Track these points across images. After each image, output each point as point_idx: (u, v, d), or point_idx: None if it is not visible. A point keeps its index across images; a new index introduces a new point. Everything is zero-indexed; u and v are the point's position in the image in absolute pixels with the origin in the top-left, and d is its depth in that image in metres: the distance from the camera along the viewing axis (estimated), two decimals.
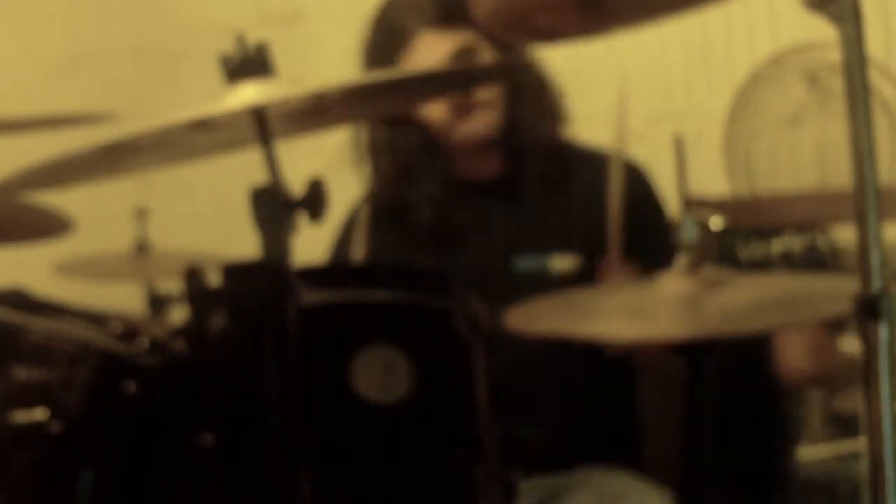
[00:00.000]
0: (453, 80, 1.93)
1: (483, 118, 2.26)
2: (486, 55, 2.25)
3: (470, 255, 2.28)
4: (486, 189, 2.33)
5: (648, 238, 2.19)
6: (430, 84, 1.85)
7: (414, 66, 2.24)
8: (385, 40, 2.27)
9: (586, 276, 2.22)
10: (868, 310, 1.27)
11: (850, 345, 2.41)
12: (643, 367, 2.29)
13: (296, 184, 1.50)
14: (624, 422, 2.33)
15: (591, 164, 2.31)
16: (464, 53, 2.23)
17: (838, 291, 1.62)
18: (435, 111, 2.25)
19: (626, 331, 1.79)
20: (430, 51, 2.23)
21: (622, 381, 2.32)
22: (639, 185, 2.28)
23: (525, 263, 2.26)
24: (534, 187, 2.30)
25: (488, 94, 2.25)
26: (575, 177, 2.32)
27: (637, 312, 1.76)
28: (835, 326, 2.41)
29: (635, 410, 2.34)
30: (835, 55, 1.31)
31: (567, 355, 2.23)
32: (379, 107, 1.98)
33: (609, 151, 2.24)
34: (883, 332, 1.27)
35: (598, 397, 2.29)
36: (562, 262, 2.26)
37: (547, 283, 2.21)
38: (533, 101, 2.31)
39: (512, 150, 2.30)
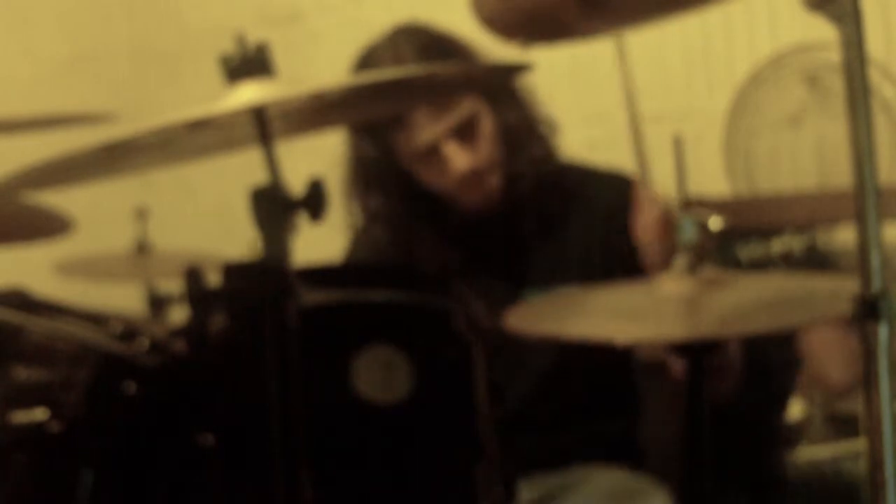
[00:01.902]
0: (453, 81, 1.93)
1: (487, 185, 2.26)
2: (487, 121, 2.25)
3: (475, 289, 2.28)
4: (485, 225, 2.32)
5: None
6: (430, 84, 1.85)
7: (412, 145, 2.23)
8: None
9: None
10: (868, 310, 1.27)
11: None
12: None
13: (296, 184, 1.50)
14: (625, 422, 2.33)
15: (587, 187, 2.32)
16: (466, 125, 2.23)
17: (838, 291, 1.62)
18: (443, 183, 2.25)
19: (624, 332, 1.79)
20: (427, 131, 2.22)
21: (624, 382, 2.32)
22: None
23: (530, 297, 2.26)
24: (532, 223, 2.30)
25: (489, 161, 2.24)
26: (573, 207, 2.32)
27: (635, 314, 1.76)
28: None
29: (637, 411, 2.34)
30: (835, 55, 1.31)
31: (568, 356, 2.23)
32: (378, 107, 1.98)
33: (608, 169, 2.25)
34: (883, 332, 1.27)
35: (600, 397, 2.29)
36: None
37: None
38: (527, 145, 2.30)
39: (509, 188, 2.30)
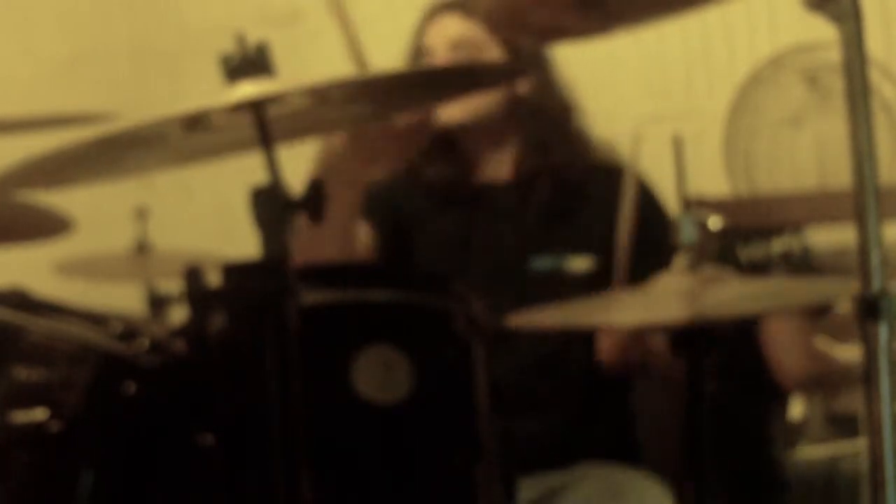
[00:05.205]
0: (454, 81, 1.93)
1: (461, 106, 2.26)
2: (492, 54, 2.25)
3: (485, 254, 2.28)
4: (501, 191, 2.33)
5: (650, 254, 2.17)
6: (430, 84, 1.85)
7: (425, 47, 2.25)
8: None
9: (602, 277, 2.21)
10: (868, 310, 1.27)
11: (847, 352, 2.41)
12: (649, 371, 2.28)
13: (296, 184, 1.50)
14: (623, 420, 2.33)
15: (605, 174, 2.33)
16: (461, 45, 2.24)
17: (833, 288, 1.63)
18: None
19: (626, 317, 1.80)
20: (437, 35, 2.24)
21: (623, 379, 2.32)
22: (646, 200, 2.27)
23: (541, 263, 2.26)
24: (549, 193, 2.30)
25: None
26: (590, 184, 2.32)
27: (637, 302, 1.77)
28: (830, 334, 2.41)
29: (634, 408, 2.34)
30: (835, 55, 1.31)
31: (567, 354, 2.23)
32: (378, 107, 1.98)
33: (623, 167, 2.25)
34: (883, 332, 1.27)
35: (598, 394, 2.29)
36: (578, 263, 2.26)
37: (563, 283, 2.21)
38: (536, 126, 2.32)
39: (528, 157, 2.31)
